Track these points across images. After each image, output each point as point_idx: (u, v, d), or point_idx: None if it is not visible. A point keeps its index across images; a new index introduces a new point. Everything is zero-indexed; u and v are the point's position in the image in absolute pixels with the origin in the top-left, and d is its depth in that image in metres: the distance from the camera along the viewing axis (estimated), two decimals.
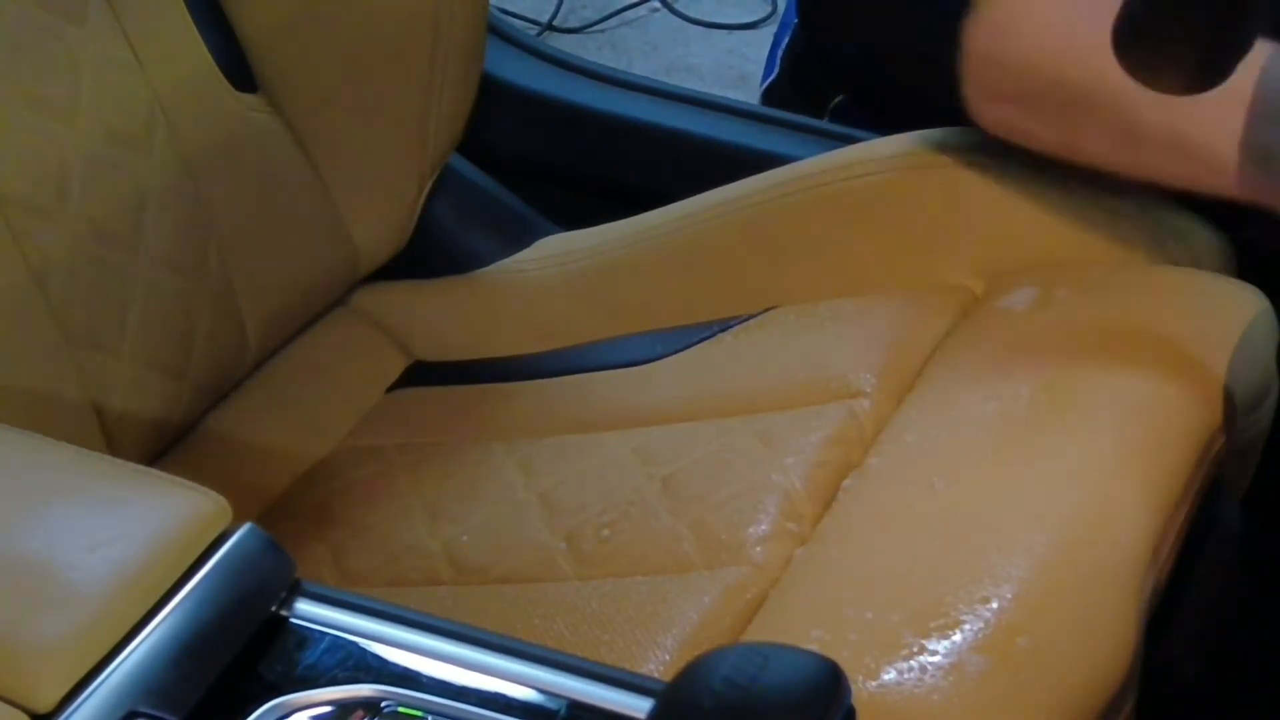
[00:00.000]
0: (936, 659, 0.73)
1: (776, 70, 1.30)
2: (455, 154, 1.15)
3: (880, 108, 1.21)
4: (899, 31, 1.13)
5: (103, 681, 0.57)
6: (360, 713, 0.59)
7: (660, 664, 0.80)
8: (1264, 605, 1.05)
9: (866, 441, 0.90)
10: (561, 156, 1.36)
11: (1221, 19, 0.79)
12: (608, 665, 0.61)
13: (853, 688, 0.58)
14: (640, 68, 2.15)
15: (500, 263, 1.15)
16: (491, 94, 1.22)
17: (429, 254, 1.16)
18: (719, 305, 1.05)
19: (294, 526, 1.01)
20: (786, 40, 1.29)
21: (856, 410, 0.92)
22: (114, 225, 0.95)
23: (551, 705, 0.59)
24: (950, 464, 0.85)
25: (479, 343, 1.14)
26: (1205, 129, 0.86)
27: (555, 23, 2.28)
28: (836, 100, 1.23)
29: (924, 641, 0.74)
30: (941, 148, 1.01)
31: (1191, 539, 0.83)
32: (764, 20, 2.27)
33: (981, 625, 0.74)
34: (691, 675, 0.56)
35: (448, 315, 1.15)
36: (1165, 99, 0.74)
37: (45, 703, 0.56)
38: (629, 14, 2.31)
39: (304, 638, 0.61)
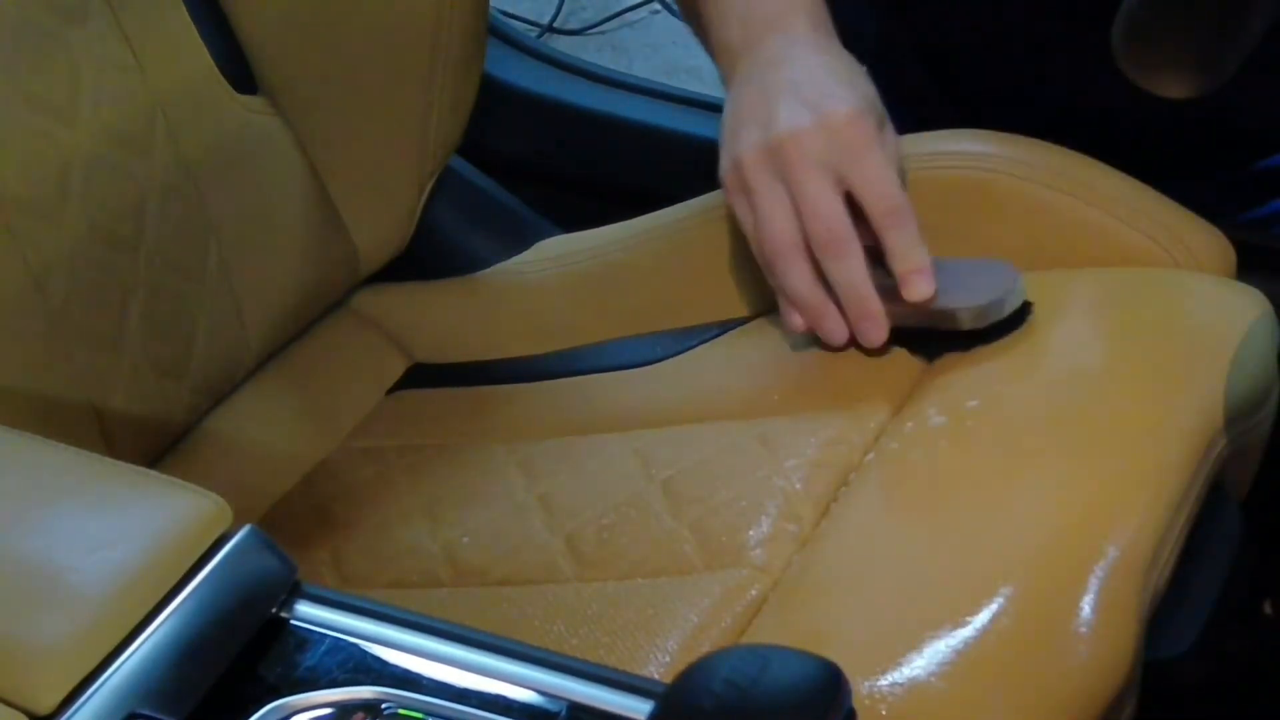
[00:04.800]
0: (937, 660, 0.73)
1: None
2: (455, 155, 1.15)
3: (900, 79, 1.20)
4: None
5: (103, 683, 0.57)
6: (360, 715, 0.59)
7: (660, 666, 0.79)
8: (1265, 607, 1.05)
9: (867, 443, 0.90)
10: (562, 158, 1.36)
11: (1222, 19, 0.79)
12: (608, 667, 0.61)
13: (853, 689, 0.58)
14: (641, 69, 2.15)
15: (500, 264, 1.15)
16: (492, 95, 1.22)
17: (429, 255, 1.16)
18: (720, 307, 1.05)
19: (294, 528, 1.01)
20: None
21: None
22: (114, 226, 0.95)
23: (551, 707, 0.59)
24: (951, 466, 0.85)
25: (479, 344, 1.14)
26: None
27: (556, 24, 2.27)
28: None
29: (925, 642, 0.74)
30: (938, 151, 1.01)
31: (1192, 542, 0.83)
32: None
33: (983, 626, 0.73)
34: (692, 677, 0.56)
35: (448, 317, 1.15)
36: None
37: (45, 705, 0.57)
38: (630, 15, 2.31)
39: (304, 640, 0.62)
